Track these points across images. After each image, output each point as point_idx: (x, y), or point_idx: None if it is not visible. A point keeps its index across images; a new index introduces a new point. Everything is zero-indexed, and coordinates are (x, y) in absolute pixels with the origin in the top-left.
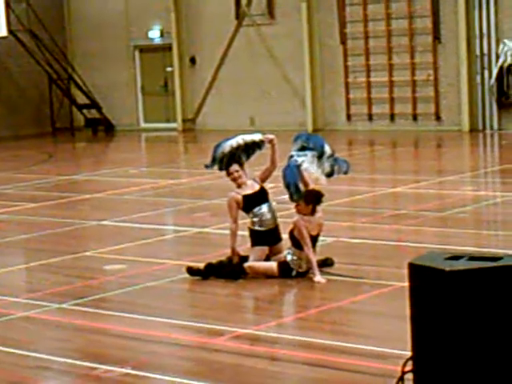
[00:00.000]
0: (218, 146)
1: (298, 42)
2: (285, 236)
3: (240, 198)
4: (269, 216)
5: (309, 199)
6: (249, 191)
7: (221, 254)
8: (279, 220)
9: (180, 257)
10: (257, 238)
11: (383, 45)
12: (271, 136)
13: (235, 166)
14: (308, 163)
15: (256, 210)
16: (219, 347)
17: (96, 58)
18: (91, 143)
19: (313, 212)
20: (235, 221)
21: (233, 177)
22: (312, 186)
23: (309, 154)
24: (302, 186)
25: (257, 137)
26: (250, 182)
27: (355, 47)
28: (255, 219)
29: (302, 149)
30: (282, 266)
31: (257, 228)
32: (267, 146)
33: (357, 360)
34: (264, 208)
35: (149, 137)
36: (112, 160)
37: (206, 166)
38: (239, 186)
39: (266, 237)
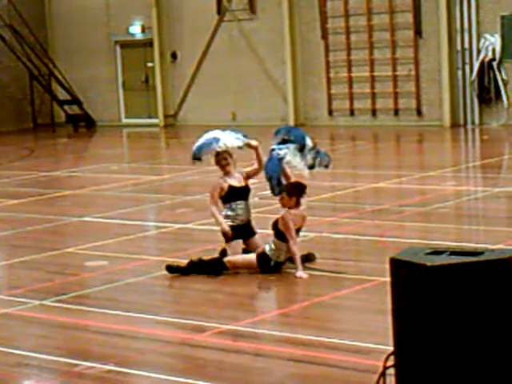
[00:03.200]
0: (200, 148)
1: (279, 37)
2: (262, 230)
3: (226, 186)
4: (242, 213)
5: (291, 192)
6: (235, 183)
7: (203, 250)
8: (261, 215)
9: (162, 253)
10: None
11: (364, 40)
12: (254, 142)
13: (225, 153)
14: (290, 156)
15: (233, 203)
16: (202, 343)
17: (77, 54)
18: (72, 139)
19: (297, 204)
20: (216, 203)
21: (221, 164)
22: (293, 179)
23: (291, 146)
24: (283, 180)
25: (239, 142)
26: (237, 175)
27: (336, 42)
28: (229, 213)
29: (283, 142)
30: (260, 256)
31: (229, 223)
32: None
33: (339, 355)
34: (241, 205)
35: (130, 132)
36: (93, 156)
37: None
38: (226, 174)
39: (238, 231)
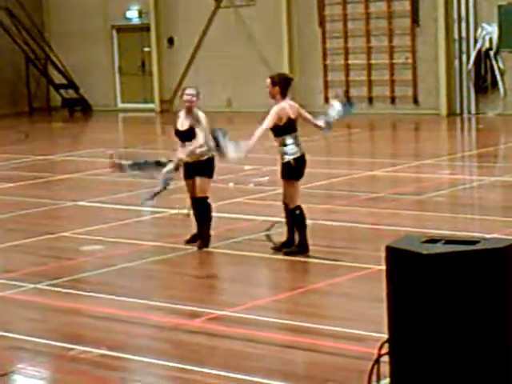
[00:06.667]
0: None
1: (276, 23)
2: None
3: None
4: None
5: (275, 79)
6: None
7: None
8: (257, 202)
9: (157, 238)
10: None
11: (361, 27)
12: None
13: (191, 90)
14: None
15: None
16: (195, 329)
17: (73, 38)
18: (68, 123)
19: (283, 96)
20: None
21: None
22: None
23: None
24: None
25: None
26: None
27: (334, 29)
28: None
29: None
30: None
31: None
32: None
33: (333, 342)
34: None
35: (126, 117)
36: (89, 140)
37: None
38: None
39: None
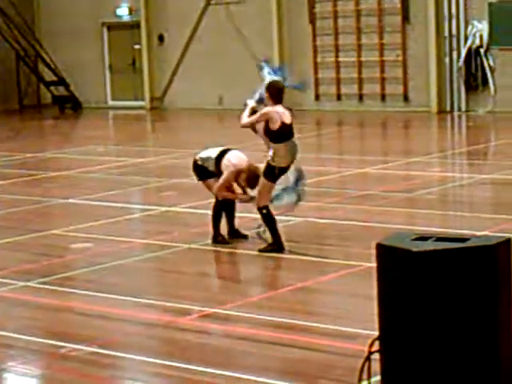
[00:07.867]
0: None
1: (266, 21)
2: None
3: None
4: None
5: (267, 88)
6: None
7: (190, 234)
8: None
9: (147, 236)
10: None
11: (352, 25)
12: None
13: None
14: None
15: None
16: (186, 326)
17: (64, 35)
18: (58, 120)
19: (276, 102)
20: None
21: None
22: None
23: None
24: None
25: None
26: None
27: (324, 27)
28: None
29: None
30: (265, 168)
31: None
32: None
33: (324, 340)
34: None
35: (116, 115)
36: (79, 138)
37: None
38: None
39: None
